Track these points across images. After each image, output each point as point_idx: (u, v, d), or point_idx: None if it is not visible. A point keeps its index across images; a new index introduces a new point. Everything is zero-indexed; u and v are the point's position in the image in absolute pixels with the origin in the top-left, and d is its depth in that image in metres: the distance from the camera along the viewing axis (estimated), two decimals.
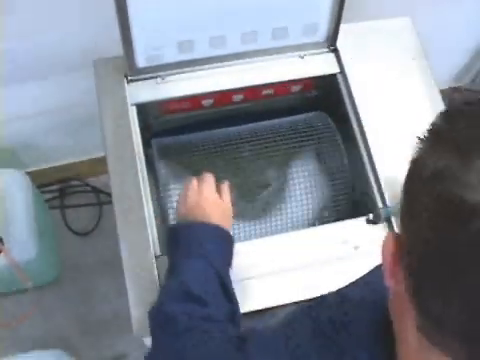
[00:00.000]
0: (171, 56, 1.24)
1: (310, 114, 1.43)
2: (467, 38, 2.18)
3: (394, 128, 1.27)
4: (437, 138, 0.51)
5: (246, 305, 1.08)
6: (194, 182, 1.08)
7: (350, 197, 1.35)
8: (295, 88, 1.38)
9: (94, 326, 2.05)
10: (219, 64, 1.29)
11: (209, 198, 1.06)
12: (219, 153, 1.36)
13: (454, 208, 0.45)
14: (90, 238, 2.21)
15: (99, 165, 1.25)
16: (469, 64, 2.33)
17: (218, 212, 1.05)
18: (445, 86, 2.40)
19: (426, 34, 1.39)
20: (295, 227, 1.34)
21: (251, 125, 1.41)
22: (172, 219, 1.29)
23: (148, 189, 1.20)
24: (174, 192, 1.31)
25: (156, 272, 1.10)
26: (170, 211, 1.30)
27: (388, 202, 1.20)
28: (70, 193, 2.30)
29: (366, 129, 1.26)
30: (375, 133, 1.26)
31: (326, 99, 1.41)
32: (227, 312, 0.94)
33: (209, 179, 1.09)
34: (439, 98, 1.31)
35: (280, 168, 1.41)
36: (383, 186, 1.21)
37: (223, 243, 1.03)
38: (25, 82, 1.69)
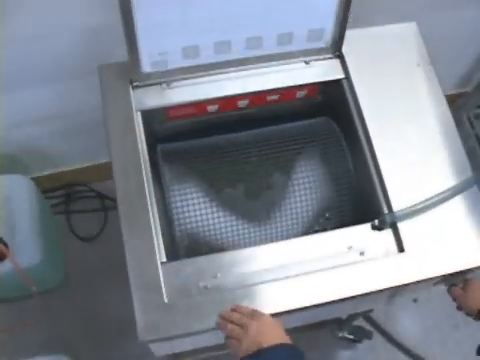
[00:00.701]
0: (176, 62, 1.24)
1: (315, 120, 1.43)
2: (471, 44, 2.17)
3: (399, 133, 1.27)
4: None
5: None
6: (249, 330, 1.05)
7: (355, 202, 1.35)
8: (300, 94, 1.38)
9: (98, 331, 2.05)
10: (224, 70, 1.29)
11: (263, 323, 1.05)
12: (224, 158, 1.36)
13: None
14: (95, 243, 2.22)
15: (104, 170, 1.26)
16: (473, 70, 2.32)
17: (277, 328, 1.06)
18: (450, 92, 2.40)
19: (430, 40, 1.39)
20: (299, 232, 1.34)
21: (256, 131, 1.41)
22: (177, 225, 1.29)
23: (153, 194, 1.19)
24: (180, 197, 1.31)
25: (161, 278, 1.10)
26: (175, 217, 1.29)
27: (393, 208, 1.19)
28: (75, 198, 2.30)
29: (371, 134, 1.25)
30: (380, 138, 1.25)
31: (331, 105, 1.41)
32: None
33: (257, 312, 1.08)
34: (445, 103, 1.31)
35: (285, 173, 1.41)
36: (388, 192, 1.21)
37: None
38: (30, 87, 1.70)
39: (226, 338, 1.08)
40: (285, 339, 1.04)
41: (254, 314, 1.07)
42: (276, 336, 1.03)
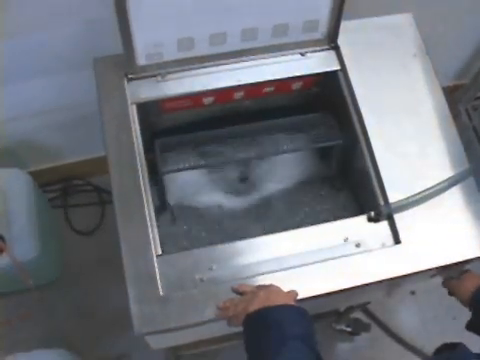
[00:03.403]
0: (171, 54, 1.23)
1: (312, 113, 1.42)
2: (468, 36, 2.17)
3: (396, 125, 1.26)
4: None
5: None
6: (260, 292, 1.06)
7: (350, 194, 1.35)
8: (296, 85, 1.37)
9: (96, 325, 2.05)
10: (220, 62, 1.28)
11: (272, 289, 1.06)
12: (221, 152, 1.36)
13: None
14: (93, 237, 2.22)
15: (102, 164, 1.26)
16: (471, 62, 2.32)
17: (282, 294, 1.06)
18: (446, 84, 2.39)
19: (427, 32, 1.38)
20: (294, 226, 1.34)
21: (252, 124, 1.41)
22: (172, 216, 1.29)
23: (149, 188, 1.19)
24: (175, 190, 1.31)
25: (156, 270, 1.10)
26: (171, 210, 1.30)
27: (390, 199, 1.19)
28: (73, 192, 2.30)
29: (367, 126, 1.25)
30: (376, 130, 1.25)
31: (327, 96, 1.40)
32: None
33: (262, 284, 1.10)
34: (441, 94, 1.31)
35: (282, 165, 1.41)
36: (385, 183, 1.20)
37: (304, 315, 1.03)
38: (27, 81, 1.69)
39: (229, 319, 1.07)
40: (292, 303, 1.04)
41: (259, 287, 1.08)
42: (283, 300, 1.02)
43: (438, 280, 1.33)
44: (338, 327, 2.12)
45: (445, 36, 2.00)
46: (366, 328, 2.12)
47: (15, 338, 1.96)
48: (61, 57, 1.63)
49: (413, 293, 2.21)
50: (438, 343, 1.13)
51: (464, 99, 2.37)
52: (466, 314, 1.23)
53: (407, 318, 2.22)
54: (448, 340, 1.10)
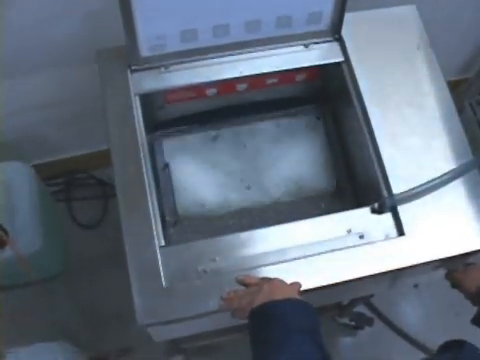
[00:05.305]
0: (174, 45, 1.23)
1: (315, 105, 1.42)
2: (473, 29, 2.16)
3: (399, 117, 1.26)
4: None
5: None
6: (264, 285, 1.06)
7: (352, 185, 1.35)
8: (300, 77, 1.37)
9: (99, 319, 2.05)
10: (223, 53, 1.28)
11: (276, 283, 1.06)
12: (224, 144, 1.36)
13: None
14: (96, 231, 2.22)
15: (105, 158, 1.26)
16: (475, 56, 2.31)
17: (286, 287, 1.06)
18: (452, 78, 2.38)
19: (431, 25, 1.38)
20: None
21: (255, 116, 1.41)
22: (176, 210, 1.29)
23: (152, 180, 1.19)
24: (178, 182, 1.31)
25: (160, 262, 1.10)
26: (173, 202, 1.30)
27: (393, 191, 1.18)
28: (76, 186, 2.30)
29: (371, 118, 1.25)
30: (380, 122, 1.24)
31: (331, 88, 1.40)
32: None
33: (266, 277, 1.09)
34: (445, 86, 1.30)
35: (282, 156, 1.41)
36: (388, 175, 1.20)
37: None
38: (29, 74, 1.69)
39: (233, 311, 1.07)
40: (296, 296, 1.03)
41: (264, 279, 1.07)
42: (288, 293, 1.02)
43: (441, 274, 1.32)
44: (341, 321, 2.12)
45: (449, 30, 1.99)
46: (369, 322, 2.12)
47: (18, 331, 1.96)
48: (63, 50, 1.63)
49: (416, 286, 2.20)
50: (441, 338, 1.12)
51: (468, 93, 2.36)
52: (469, 309, 1.22)
53: (410, 312, 2.22)
54: (451, 335, 1.09)
